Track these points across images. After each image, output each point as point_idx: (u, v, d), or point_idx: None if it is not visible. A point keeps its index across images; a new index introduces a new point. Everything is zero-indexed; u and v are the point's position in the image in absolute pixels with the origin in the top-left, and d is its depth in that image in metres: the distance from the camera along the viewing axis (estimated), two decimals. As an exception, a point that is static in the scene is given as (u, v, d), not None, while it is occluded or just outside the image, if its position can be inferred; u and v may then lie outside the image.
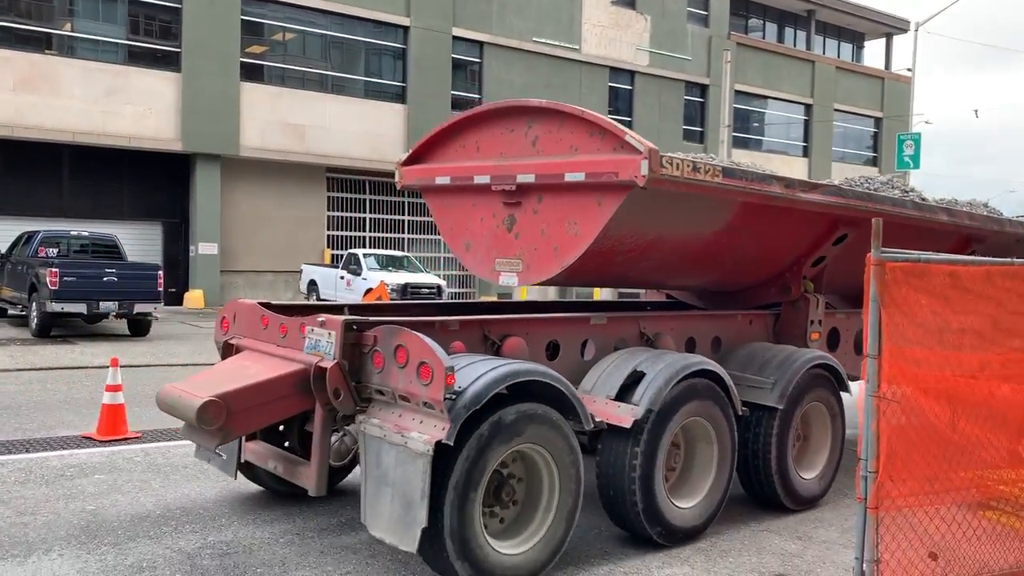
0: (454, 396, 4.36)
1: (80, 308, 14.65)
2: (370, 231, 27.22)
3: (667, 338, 6.14)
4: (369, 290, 20.41)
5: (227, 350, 5.60)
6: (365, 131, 25.54)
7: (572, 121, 5.67)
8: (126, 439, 7.77)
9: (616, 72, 30.87)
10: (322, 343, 4.89)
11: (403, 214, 27.82)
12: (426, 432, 4.37)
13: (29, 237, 16.61)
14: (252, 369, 5.01)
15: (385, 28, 26.11)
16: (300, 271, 24.31)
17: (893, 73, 40.37)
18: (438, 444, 4.30)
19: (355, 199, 26.88)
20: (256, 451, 5.57)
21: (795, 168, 36.77)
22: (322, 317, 4.95)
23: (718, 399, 5.70)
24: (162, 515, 5.75)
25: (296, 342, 5.09)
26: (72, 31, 21.70)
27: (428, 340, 4.51)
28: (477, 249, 6.25)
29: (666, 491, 5.48)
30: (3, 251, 17.63)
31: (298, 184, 25.25)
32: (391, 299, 17.93)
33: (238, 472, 5.73)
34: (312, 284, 23.55)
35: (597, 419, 5.18)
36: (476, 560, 4.50)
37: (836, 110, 37.70)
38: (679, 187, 5.42)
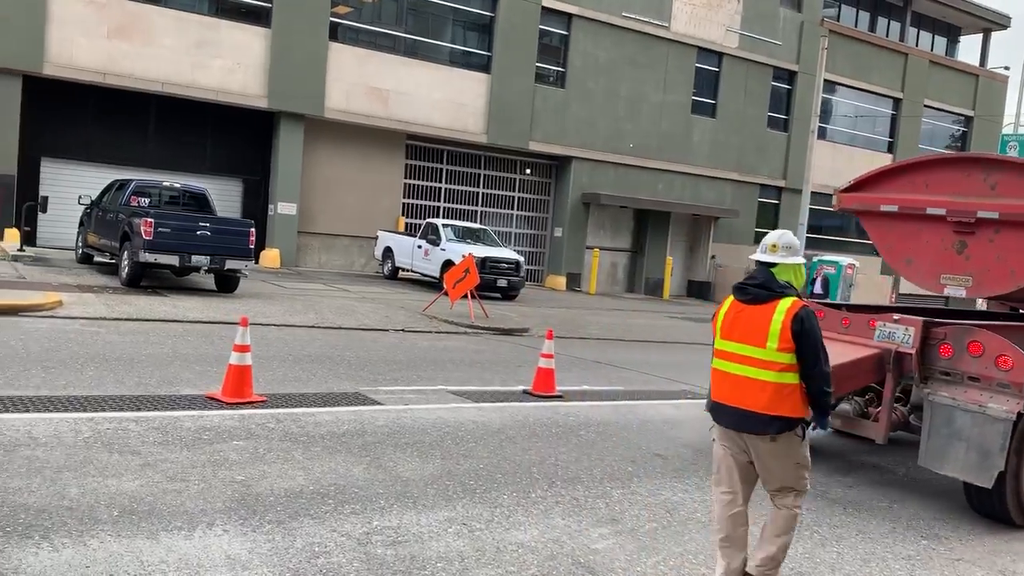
0: None
1: (172, 260, 14.44)
2: (444, 201, 26.80)
3: None
4: (449, 263, 20.01)
5: None
6: (447, 99, 25.05)
7: None
8: (251, 403, 7.46)
9: (704, 53, 29.89)
10: (897, 334, 6.61)
11: (478, 186, 27.34)
12: (1004, 404, 5.98)
13: (121, 185, 16.44)
14: (835, 350, 6.01)
15: (474, -5, 25.57)
16: (376, 237, 24.01)
17: (988, 71, 38.66)
18: (1018, 414, 5.93)
19: (432, 168, 26.45)
20: None
21: (878, 164, 35.50)
22: (896, 316, 6.70)
23: None
24: (316, 491, 5.40)
25: (862, 332, 6.78)
26: (165, -20, 21.47)
27: (1003, 339, 6.16)
28: (919, 265, 7.74)
29: None
30: (92, 198, 17.52)
31: (378, 149, 24.87)
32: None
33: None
34: (388, 251, 23.24)
35: None
36: (1019, 496, 6.25)
37: (925, 106, 36.26)
38: None
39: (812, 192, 27.97)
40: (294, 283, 19.19)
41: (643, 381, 11.39)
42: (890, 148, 35.96)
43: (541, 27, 26.46)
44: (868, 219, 8.21)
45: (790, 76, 32.29)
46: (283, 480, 5.55)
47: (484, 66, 25.81)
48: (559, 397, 9.27)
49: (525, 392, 9.35)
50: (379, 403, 8.10)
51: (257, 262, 22.46)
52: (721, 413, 4.46)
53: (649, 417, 8.93)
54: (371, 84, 23.83)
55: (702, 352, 16.07)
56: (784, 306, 4.29)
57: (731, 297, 4.54)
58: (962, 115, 38.12)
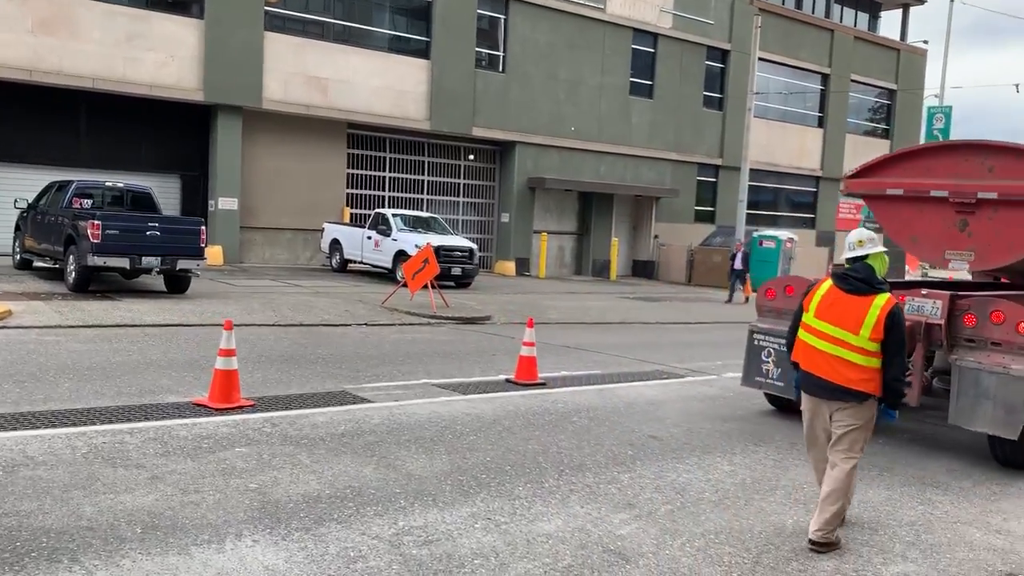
0: None
1: (122, 263, 13.97)
2: (389, 190, 26.53)
3: None
4: (401, 253, 19.85)
5: None
6: (388, 87, 24.75)
7: None
8: (241, 407, 7.31)
9: (639, 34, 30.12)
10: (926, 307, 7.26)
11: (423, 174, 27.14)
12: None
13: (61, 187, 15.83)
14: None
15: (409, -20, 25.27)
16: (321, 230, 23.63)
17: (909, 45, 39.91)
18: None
19: (375, 157, 26.14)
20: None
21: (809, 139, 36.45)
22: (924, 291, 7.39)
23: None
24: (333, 495, 5.33)
25: None
26: (89, -29, 20.64)
27: (1023, 307, 6.96)
28: (924, 243, 8.35)
29: None
30: (29, 201, 16.83)
31: (319, 140, 24.45)
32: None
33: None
34: (335, 243, 22.91)
35: None
36: None
37: (852, 80, 37.26)
38: None
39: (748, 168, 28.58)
40: (242, 280, 18.81)
41: (616, 363, 11.52)
42: (820, 123, 36.89)
43: (479, 11, 26.32)
44: (874, 202, 8.75)
45: (723, 55, 32.81)
46: (297, 485, 5.46)
47: (423, 52, 25.57)
48: (542, 384, 9.32)
49: (508, 381, 9.38)
50: (368, 400, 8.02)
51: (201, 260, 21.95)
52: (812, 383, 5.19)
53: (633, 399, 9.05)
54: (309, 73, 23.40)
55: (661, 332, 16.35)
56: (881, 301, 5.00)
57: (829, 282, 5.23)
58: (886, 88, 39.30)
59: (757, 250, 29.76)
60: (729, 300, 23.56)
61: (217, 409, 7.17)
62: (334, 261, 23.09)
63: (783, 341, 7.92)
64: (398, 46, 25.39)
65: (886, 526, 5.62)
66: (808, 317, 5.22)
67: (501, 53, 27.16)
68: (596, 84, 29.04)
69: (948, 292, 7.35)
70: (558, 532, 5.01)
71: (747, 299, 23.41)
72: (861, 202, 40.47)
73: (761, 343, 8.34)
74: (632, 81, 30.13)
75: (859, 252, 5.19)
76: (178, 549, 4.36)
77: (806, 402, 5.28)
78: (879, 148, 39.03)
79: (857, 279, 5.10)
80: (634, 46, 30.09)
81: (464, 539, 4.80)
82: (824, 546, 5.02)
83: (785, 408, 8.79)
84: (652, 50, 30.69)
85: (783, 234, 30.03)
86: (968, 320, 7.15)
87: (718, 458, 6.95)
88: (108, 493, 5.06)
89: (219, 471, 5.62)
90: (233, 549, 4.42)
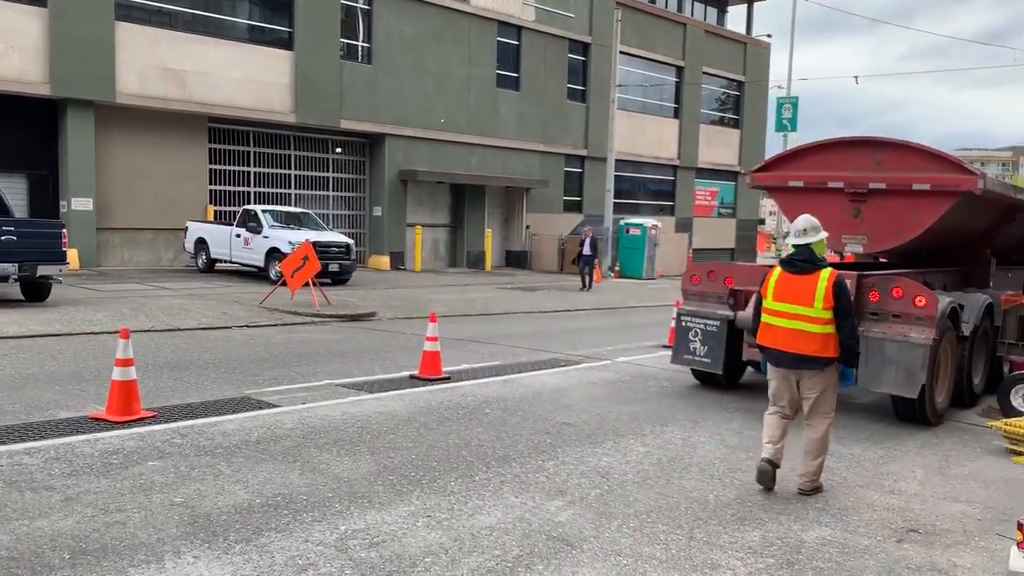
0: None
1: (-27, 271, 12.96)
2: (255, 186, 25.66)
3: (935, 285, 8.97)
4: (274, 251, 19.28)
5: (734, 295, 8.41)
6: (250, 79, 23.90)
7: (911, 150, 8.67)
8: (142, 419, 6.95)
9: (504, 27, 30.38)
10: None
11: (289, 168, 26.40)
12: (922, 333, 7.75)
13: None
14: None
15: (269, -31, 24.44)
16: (185, 229, 22.59)
17: (754, 39, 42.10)
18: (933, 340, 7.73)
19: (239, 151, 25.19)
20: (756, 353, 7.39)
21: (666, 130, 37.86)
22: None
23: (986, 324, 9.09)
24: (265, 504, 5.18)
25: None
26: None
27: (918, 283, 7.95)
28: (823, 229, 9.05)
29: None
30: None
31: (179, 135, 23.32)
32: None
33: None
34: (201, 243, 21.97)
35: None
36: (932, 403, 8.17)
37: (704, 72, 38.95)
38: (989, 196, 8.57)
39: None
40: (105, 285, 17.79)
41: (512, 354, 11.66)
42: (676, 114, 38.38)
43: (342, 1, 25.81)
44: (778, 193, 9.46)
45: (584, 48, 33.53)
46: (225, 496, 5.27)
47: (286, 42, 24.84)
48: (447, 379, 9.33)
49: (413, 377, 9.34)
50: (275, 405, 7.80)
51: (55, 264, 20.55)
52: (777, 356, 5.94)
53: (538, 388, 9.20)
54: (166, 65, 22.29)
55: (546, 320, 16.63)
56: (826, 275, 5.80)
57: (778, 269, 6.03)
58: (735, 80, 41.31)
59: (624, 237, 30.76)
60: (588, 287, 24.10)
61: (118, 422, 6.79)
62: (200, 261, 22.15)
63: (709, 322, 8.69)
64: (259, 37, 24.55)
65: (796, 497, 5.99)
66: (768, 302, 5.98)
67: (367, 44, 26.73)
68: (464, 76, 29.08)
69: (856, 272, 8.10)
70: (500, 524, 5.07)
71: (588, 285, 24.06)
72: (716, 189, 42.44)
73: (688, 324, 8.94)
74: (499, 73, 30.36)
75: (805, 239, 5.96)
76: (115, 572, 4.13)
77: (773, 373, 6.01)
78: (730, 137, 41.19)
79: (801, 261, 5.91)
80: (499, 38, 30.32)
81: (410, 538, 4.78)
82: (811, 492, 5.97)
83: (709, 383, 9.45)
84: (517, 43, 31.01)
85: (648, 221, 31.19)
86: (872, 296, 7.96)
87: (631, 440, 7.20)
88: (22, 519, 4.73)
89: (137, 487, 5.34)
90: (175, 567, 4.23)
